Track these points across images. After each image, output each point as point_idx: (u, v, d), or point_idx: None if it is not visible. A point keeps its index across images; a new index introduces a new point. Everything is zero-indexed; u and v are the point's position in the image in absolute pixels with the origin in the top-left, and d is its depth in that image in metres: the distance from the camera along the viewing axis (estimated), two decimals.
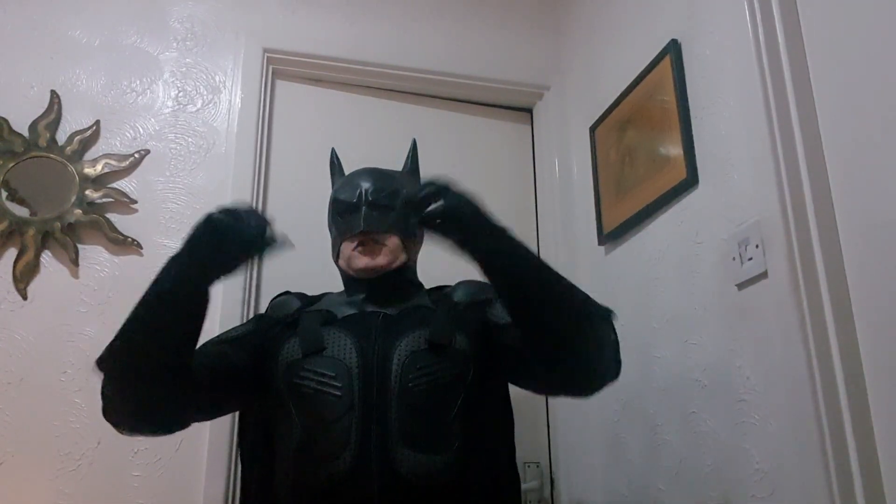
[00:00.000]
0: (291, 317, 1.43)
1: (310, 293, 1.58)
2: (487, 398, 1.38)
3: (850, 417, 1.18)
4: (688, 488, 1.59)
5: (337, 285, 1.56)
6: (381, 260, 1.43)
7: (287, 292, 1.56)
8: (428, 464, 1.23)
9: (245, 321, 1.55)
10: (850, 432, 1.18)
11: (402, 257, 1.47)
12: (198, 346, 1.22)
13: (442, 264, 1.56)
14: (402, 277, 1.48)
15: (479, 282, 1.45)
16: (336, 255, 1.50)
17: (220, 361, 1.31)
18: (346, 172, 1.59)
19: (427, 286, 1.59)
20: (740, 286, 1.47)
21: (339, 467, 1.22)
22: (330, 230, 1.52)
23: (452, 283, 1.59)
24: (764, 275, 1.38)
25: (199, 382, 1.23)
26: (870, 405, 1.19)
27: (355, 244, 1.44)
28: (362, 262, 1.43)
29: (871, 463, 1.16)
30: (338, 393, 1.27)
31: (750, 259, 1.43)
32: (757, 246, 1.40)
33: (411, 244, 1.50)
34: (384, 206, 1.44)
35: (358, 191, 1.45)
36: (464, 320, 1.40)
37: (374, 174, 1.49)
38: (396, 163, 1.66)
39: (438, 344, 1.33)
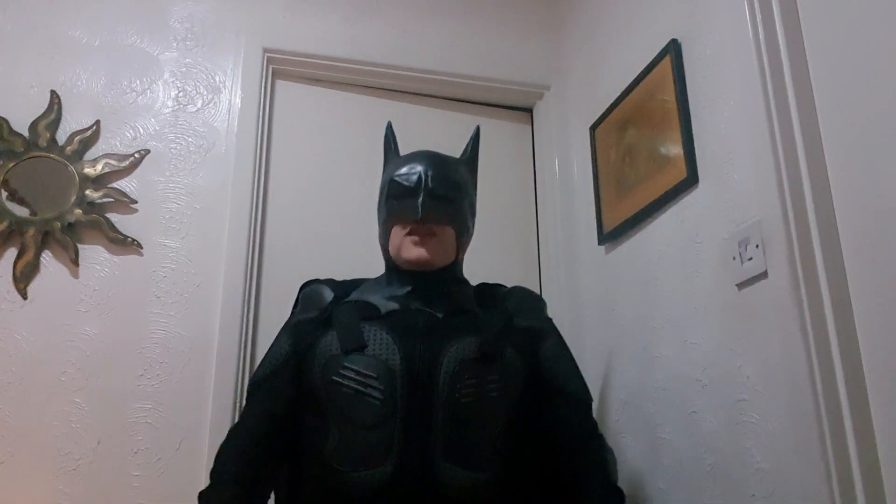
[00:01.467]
0: (326, 312, 1.36)
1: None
2: (530, 417, 1.36)
3: (850, 417, 1.18)
4: (688, 488, 1.59)
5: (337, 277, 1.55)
6: (435, 255, 1.36)
7: (316, 280, 1.47)
8: (470, 480, 1.19)
9: (279, 336, 1.42)
10: (851, 432, 1.18)
11: (453, 253, 1.40)
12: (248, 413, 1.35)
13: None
14: (451, 275, 1.42)
15: (534, 296, 1.47)
16: (385, 240, 1.41)
17: (278, 423, 1.34)
18: (400, 154, 1.51)
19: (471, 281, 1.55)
20: (740, 286, 1.47)
21: (377, 477, 1.16)
22: (379, 211, 1.43)
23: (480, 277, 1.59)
24: (764, 275, 1.38)
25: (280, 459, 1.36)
26: (870, 405, 1.19)
27: (407, 231, 1.36)
28: (415, 252, 1.35)
29: (871, 462, 1.16)
30: (380, 396, 1.21)
31: (750, 259, 1.43)
32: (757, 246, 1.40)
33: (465, 240, 1.43)
34: (443, 197, 1.36)
35: (417, 175, 1.36)
36: (517, 336, 1.36)
37: (436, 160, 1.40)
38: None
39: (489, 355, 1.27)
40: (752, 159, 1.44)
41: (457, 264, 1.44)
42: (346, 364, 1.24)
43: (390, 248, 1.39)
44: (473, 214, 1.47)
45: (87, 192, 1.95)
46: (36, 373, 1.81)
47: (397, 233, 1.37)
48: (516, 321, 1.39)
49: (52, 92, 2.02)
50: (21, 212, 1.90)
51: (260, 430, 1.31)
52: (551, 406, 1.35)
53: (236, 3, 2.28)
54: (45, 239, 1.90)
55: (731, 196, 1.53)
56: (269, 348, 1.41)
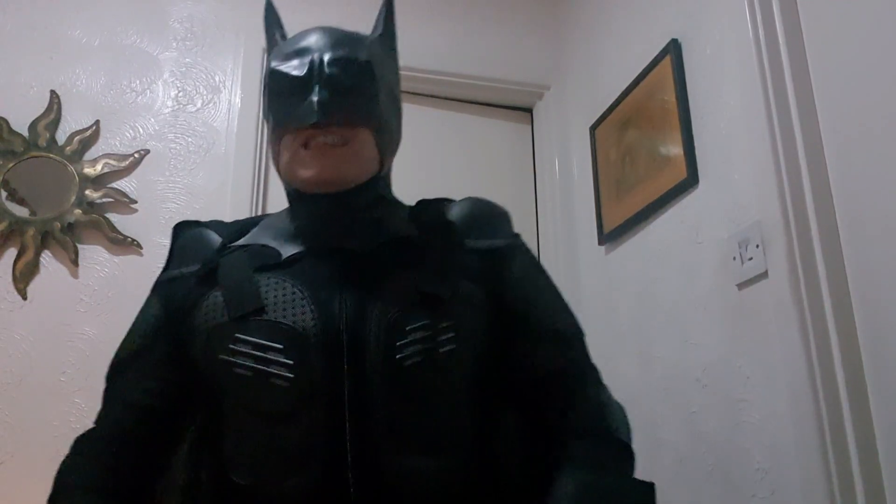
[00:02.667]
0: (210, 263, 0.96)
1: None
2: (502, 370, 0.98)
3: (850, 417, 1.18)
4: (688, 488, 1.59)
5: None
6: (346, 168, 0.93)
7: (196, 223, 1.05)
8: (431, 470, 0.86)
9: (146, 302, 1.02)
10: (851, 432, 1.18)
11: (374, 164, 0.97)
12: (110, 402, 0.97)
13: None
14: (374, 194, 0.99)
15: (492, 206, 1.05)
16: (275, 157, 0.99)
17: (150, 419, 0.95)
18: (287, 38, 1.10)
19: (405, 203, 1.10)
20: (740, 286, 1.47)
21: (298, 489, 0.83)
22: (266, 119, 0.99)
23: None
24: (764, 275, 1.38)
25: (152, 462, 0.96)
26: (870, 405, 1.19)
27: (303, 141, 0.92)
28: (314, 168, 0.92)
29: (871, 462, 1.16)
30: (289, 374, 0.85)
31: (750, 259, 1.43)
32: (757, 246, 1.40)
33: (388, 143, 0.99)
34: (350, 87, 0.93)
35: (309, 59, 0.93)
36: (471, 261, 0.97)
37: (333, 36, 0.98)
38: (400, 164, 1.65)
39: (436, 294, 0.90)
40: (752, 159, 1.44)
41: (380, 179, 1.00)
42: (237, 335, 0.87)
43: (283, 169, 0.97)
44: (398, 108, 1.03)
45: (87, 192, 1.95)
46: (36, 373, 1.81)
47: (290, 144, 0.93)
48: (469, 242, 0.98)
49: (52, 92, 2.02)
50: (21, 212, 1.90)
51: (123, 430, 0.93)
52: (526, 350, 0.95)
53: (236, 3, 2.27)
54: (45, 239, 1.90)
55: (731, 196, 1.53)
56: (134, 321, 1.01)
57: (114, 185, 1.99)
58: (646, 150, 1.88)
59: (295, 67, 0.94)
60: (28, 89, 2.02)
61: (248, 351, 0.87)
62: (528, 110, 2.53)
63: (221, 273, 0.93)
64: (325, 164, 0.92)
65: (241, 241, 0.99)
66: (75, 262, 1.91)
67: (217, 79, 2.19)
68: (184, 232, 1.03)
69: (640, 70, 1.93)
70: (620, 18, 2.12)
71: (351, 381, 0.85)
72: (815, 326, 1.24)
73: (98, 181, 1.97)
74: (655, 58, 1.85)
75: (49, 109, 2.00)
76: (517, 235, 1.05)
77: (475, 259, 0.98)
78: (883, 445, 1.16)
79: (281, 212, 1.05)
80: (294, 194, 0.99)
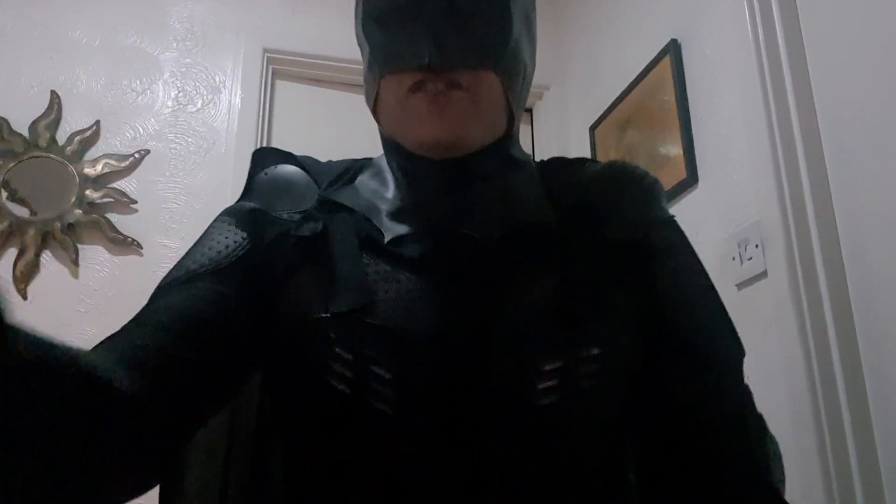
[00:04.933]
0: (315, 224, 0.71)
1: None
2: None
3: (849, 417, 1.18)
4: None
5: None
6: (473, 127, 0.68)
7: (286, 154, 0.83)
8: None
9: (215, 229, 0.73)
10: (850, 432, 1.18)
11: (504, 119, 0.72)
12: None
13: None
14: (503, 158, 0.74)
15: (638, 177, 0.77)
16: (371, 100, 0.73)
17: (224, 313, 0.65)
18: None
19: None
20: (740, 286, 1.47)
21: None
22: (360, 47, 0.75)
23: None
24: (763, 275, 1.38)
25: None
26: (869, 405, 1.19)
27: (412, 85, 0.67)
28: (428, 129, 0.67)
29: (870, 462, 1.16)
30: (393, 400, 0.62)
31: (749, 259, 1.43)
32: (757, 246, 1.40)
33: (521, 88, 0.73)
34: (473, 14, 0.68)
35: None
36: (614, 259, 0.71)
37: None
38: None
39: (580, 310, 0.66)
40: (751, 159, 1.44)
41: (510, 139, 0.75)
42: (334, 336, 0.64)
43: (384, 119, 0.73)
44: (533, 40, 0.77)
45: (87, 192, 1.95)
46: None
47: (394, 88, 0.69)
48: (613, 231, 0.73)
49: (52, 92, 2.02)
50: (21, 212, 1.90)
51: (164, 333, 0.61)
52: (674, 376, 0.70)
53: (236, 3, 2.28)
54: (45, 239, 1.90)
55: (730, 196, 1.53)
56: (196, 244, 0.72)
57: (114, 185, 2.00)
58: (645, 150, 1.88)
59: None
60: (28, 89, 2.02)
61: (348, 359, 0.63)
62: (528, 110, 2.53)
63: (327, 242, 0.69)
64: (445, 122, 0.66)
65: (342, 197, 0.73)
66: (75, 263, 1.91)
67: (217, 79, 2.19)
68: (271, 163, 0.80)
69: (639, 70, 1.94)
70: (620, 18, 2.12)
71: (465, 420, 0.63)
72: (814, 326, 1.24)
73: (98, 181, 1.97)
74: (655, 58, 1.85)
75: (49, 109, 2.00)
76: (673, 220, 0.77)
77: (623, 255, 0.72)
78: (882, 445, 1.16)
79: (378, 163, 0.79)
80: (398, 151, 0.73)
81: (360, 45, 0.74)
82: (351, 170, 0.79)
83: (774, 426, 1.41)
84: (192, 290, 0.65)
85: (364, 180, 0.77)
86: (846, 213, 1.26)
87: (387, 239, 0.69)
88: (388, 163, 0.76)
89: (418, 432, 0.63)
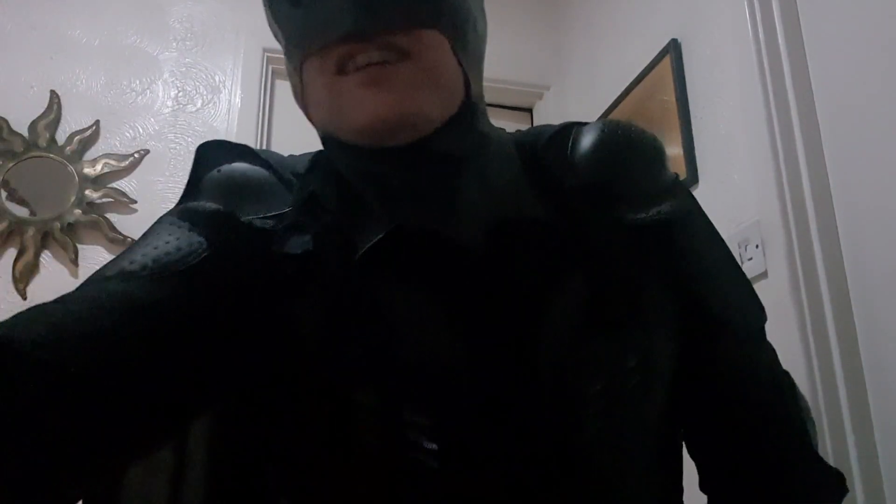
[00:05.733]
0: (294, 228, 0.58)
1: None
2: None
3: (849, 416, 1.18)
4: (687, 489, 1.58)
5: None
6: (419, 99, 0.54)
7: (233, 146, 0.67)
8: None
9: (163, 228, 0.55)
10: (850, 432, 1.18)
11: (460, 85, 0.57)
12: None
13: None
14: (470, 132, 0.59)
15: (638, 142, 0.66)
16: (298, 96, 0.62)
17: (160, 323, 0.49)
18: None
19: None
20: None
21: None
22: (276, 37, 0.61)
23: None
24: (764, 275, 1.38)
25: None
26: (869, 405, 1.19)
27: (337, 64, 0.54)
28: (362, 110, 0.53)
29: (870, 462, 1.16)
30: (435, 453, 0.52)
31: (750, 259, 1.43)
32: (757, 246, 1.40)
33: (473, 46, 0.59)
34: None
35: None
36: (638, 246, 0.61)
37: None
38: None
39: (617, 320, 0.57)
40: (751, 159, 1.44)
41: (474, 108, 0.59)
42: (351, 378, 0.53)
43: (315, 114, 0.61)
44: None
45: (87, 192, 1.95)
46: None
47: (318, 72, 0.56)
48: (625, 212, 0.62)
49: (52, 92, 2.02)
50: (21, 212, 1.90)
51: (110, 307, 0.47)
52: (712, 353, 0.65)
53: (236, 3, 2.28)
54: (45, 239, 1.90)
55: (730, 196, 1.53)
56: (129, 247, 0.55)
57: (114, 185, 1.99)
58: None
59: None
60: (28, 89, 2.02)
61: (372, 406, 0.52)
62: (528, 110, 2.53)
63: (321, 261, 0.56)
64: (385, 96, 0.52)
65: (326, 202, 0.60)
66: (75, 262, 1.91)
67: (217, 79, 2.19)
68: (221, 158, 0.63)
69: (639, 70, 1.93)
70: (620, 18, 2.12)
71: (520, 462, 0.54)
72: (815, 326, 1.24)
73: (98, 181, 1.97)
74: (655, 58, 1.85)
75: (49, 109, 2.00)
76: (681, 184, 0.68)
77: (638, 236, 0.61)
78: (882, 445, 1.16)
79: (315, 158, 0.66)
80: (339, 148, 0.59)
81: (275, 36, 0.61)
82: (321, 163, 0.65)
83: None
84: (127, 286, 0.49)
85: (317, 176, 0.64)
86: (846, 213, 1.26)
87: (363, 245, 0.55)
88: (340, 165, 0.61)
89: (469, 484, 0.53)
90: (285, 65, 0.61)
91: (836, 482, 0.64)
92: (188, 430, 0.61)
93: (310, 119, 0.62)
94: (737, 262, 0.69)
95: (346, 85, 0.53)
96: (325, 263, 0.55)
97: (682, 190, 0.67)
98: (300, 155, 0.68)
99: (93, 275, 0.51)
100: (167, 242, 0.53)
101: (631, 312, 0.57)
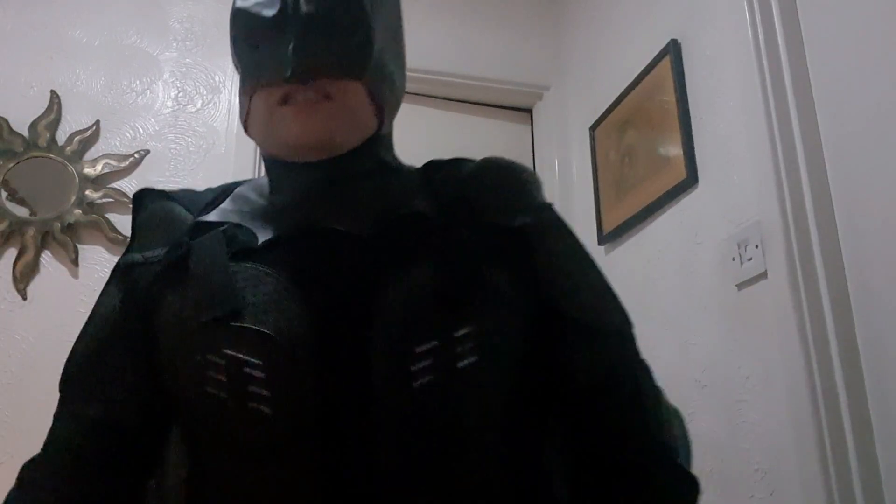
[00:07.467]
0: (181, 246, 0.73)
1: None
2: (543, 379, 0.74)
3: (848, 417, 1.18)
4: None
5: None
6: (335, 127, 0.73)
7: (161, 193, 0.82)
8: None
9: (103, 291, 0.80)
10: (850, 432, 1.18)
11: (371, 121, 0.76)
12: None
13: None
14: (372, 158, 0.78)
15: (515, 170, 0.81)
16: (244, 118, 0.78)
17: (114, 436, 0.72)
18: None
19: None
20: (740, 286, 1.47)
21: None
22: (236, 69, 0.78)
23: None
24: (763, 275, 1.38)
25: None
26: (869, 405, 1.19)
27: (280, 98, 0.72)
28: (292, 131, 0.72)
29: (870, 462, 1.16)
30: (271, 400, 0.64)
31: (749, 259, 1.43)
32: (756, 246, 1.40)
33: (389, 95, 0.78)
34: (334, 26, 0.72)
35: None
36: (495, 244, 0.73)
37: None
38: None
39: (456, 294, 0.67)
40: (751, 160, 1.44)
41: (380, 139, 0.79)
42: (207, 344, 0.66)
43: (255, 132, 0.77)
44: (400, 48, 0.83)
45: (87, 192, 1.95)
46: (36, 373, 1.81)
47: (264, 102, 0.73)
48: (491, 217, 0.75)
49: (52, 92, 2.02)
50: (21, 212, 1.90)
51: (76, 452, 0.72)
52: (564, 354, 0.73)
53: None
54: (45, 239, 1.90)
55: (730, 197, 1.53)
56: (89, 317, 0.81)
57: (114, 185, 2.00)
58: (645, 151, 1.88)
59: (264, 5, 0.72)
60: (28, 89, 2.02)
61: (220, 364, 0.65)
62: (528, 110, 2.53)
63: (193, 261, 0.71)
64: (309, 124, 0.71)
65: (212, 216, 0.77)
66: (75, 262, 1.91)
67: (217, 79, 2.19)
68: (147, 204, 0.81)
69: (639, 70, 1.94)
70: (620, 19, 2.12)
71: (349, 412, 0.64)
72: (814, 326, 1.24)
73: (98, 181, 1.98)
74: (655, 58, 1.85)
75: (49, 109, 2.00)
76: (549, 206, 0.80)
77: (500, 240, 0.73)
78: (882, 445, 1.16)
79: (260, 179, 0.83)
80: (272, 162, 0.79)
81: (235, 66, 0.78)
82: (228, 191, 0.82)
83: (774, 425, 1.42)
84: (87, 398, 0.77)
85: (243, 191, 0.81)
86: (846, 213, 1.27)
87: (261, 242, 0.71)
88: (267, 173, 0.81)
89: (299, 428, 0.64)
90: (238, 90, 0.79)
91: (688, 489, 0.70)
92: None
93: (247, 133, 0.80)
94: (602, 275, 0.78)
95: (283, 114, 0.72)
96: (195, 262, 0.71)
97: (548, 210, 0.79)
98: (215, 187, 0.85)
99: (65, 369, 0.82)
100: (102, 311, 0.79)
101: (471, 292, 0.68)
